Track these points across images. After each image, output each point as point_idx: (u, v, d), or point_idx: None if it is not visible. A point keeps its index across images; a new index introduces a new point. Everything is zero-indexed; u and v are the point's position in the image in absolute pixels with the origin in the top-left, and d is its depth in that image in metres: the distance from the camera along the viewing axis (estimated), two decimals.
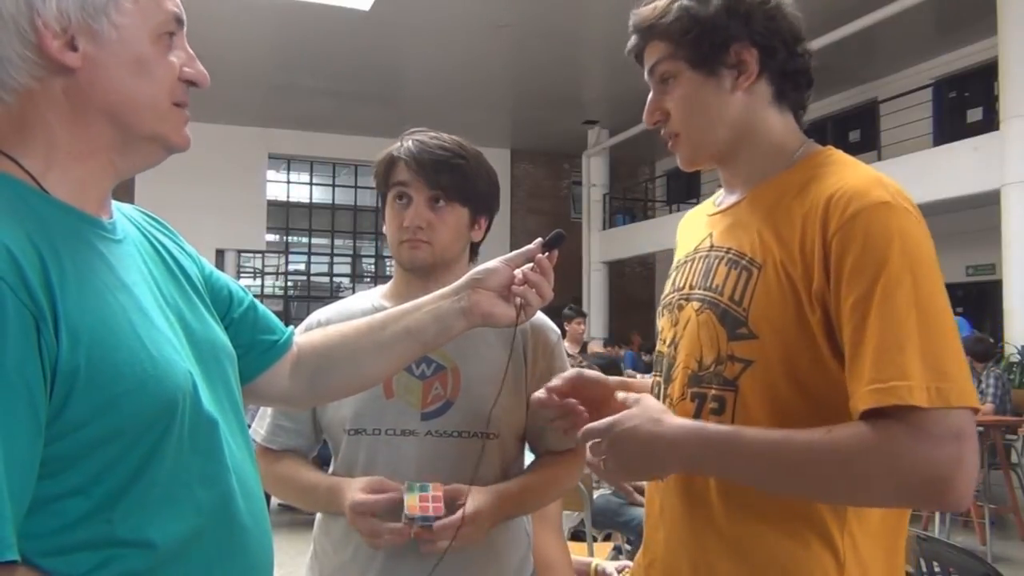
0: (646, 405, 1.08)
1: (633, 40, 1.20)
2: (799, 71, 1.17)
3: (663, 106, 1.18)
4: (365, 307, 1.47)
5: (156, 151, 0.92)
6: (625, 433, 1.04)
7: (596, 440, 1.08)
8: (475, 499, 1.30)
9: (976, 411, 0.95)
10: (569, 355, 1.80)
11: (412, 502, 1.27)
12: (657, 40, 1.16)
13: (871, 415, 0.94)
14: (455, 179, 1.43)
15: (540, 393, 1.25)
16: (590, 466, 1.12)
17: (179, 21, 0.91)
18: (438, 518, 1.26)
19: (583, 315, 7.77)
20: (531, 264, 1.17)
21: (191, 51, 0.93)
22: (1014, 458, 6.16)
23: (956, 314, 1.05)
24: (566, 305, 7.67)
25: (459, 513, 1.28)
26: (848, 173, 1.07)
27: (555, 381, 1.26)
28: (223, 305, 1.09)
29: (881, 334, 0.95)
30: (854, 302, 0.97)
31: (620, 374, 4.81)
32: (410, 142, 1.45)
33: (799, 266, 1.04)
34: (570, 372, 1.29)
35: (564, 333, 6.23)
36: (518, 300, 1.16)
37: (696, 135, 1.17)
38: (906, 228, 0.99)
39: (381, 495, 1.30)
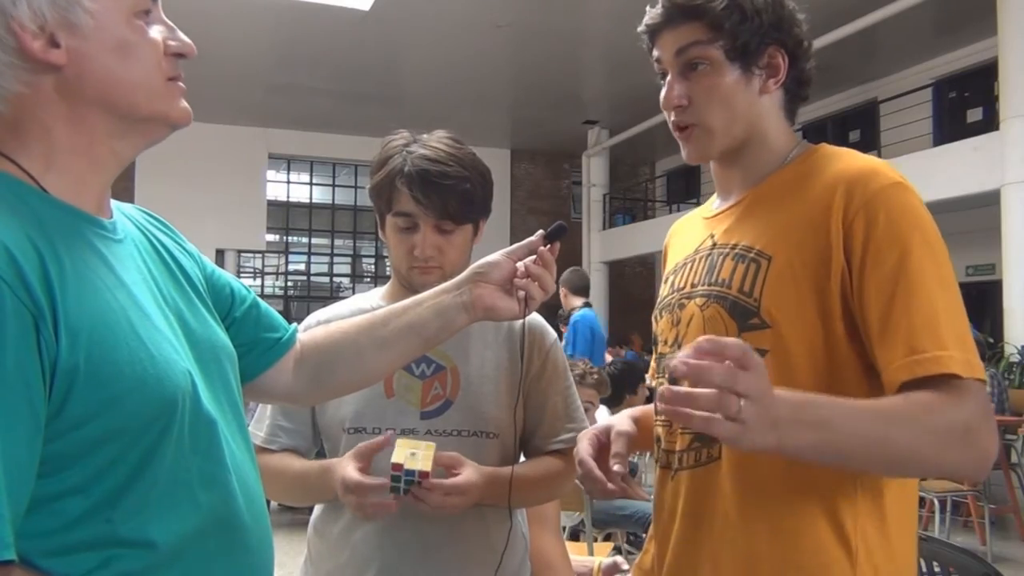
0: None
1: (661, 16, 1.15)
2: (808, 82, 1.19)
3: (689, 92, 1.15)
4: (364, 308, 1.45)
5: (158, 129, 0.91)
6: (759, 361, 0.85)
7: (719, 376, 0.83)
8: (469, 471, 1.30)
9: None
10: None
11: (400, 454, 1.24)
12: (698, 22, 1.13)
13: (907, 386, 0.96)
14: (463, 204, 1.38)
15: (586, 456, 1.14)
16: (712, 429, 0.83)
17: None
18: (424, 474, 1.23)
19: None
20: (533, 257, 1.15)
21: (170, 22, 0.91)
22: (1014, 458, 6.15)
23: None
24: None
25: (454, 478, 1.27)
26: (853, 158, 1.11)
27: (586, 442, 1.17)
28: (225, 304, 1.09)
29: (915, 308, 0.98)
30: (882, 277, 1.00)
31: (639, 378, 4.60)
32: (410, 164, 1.37)
33: (816, 250, 1.05)
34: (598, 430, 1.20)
35: (560, 335, 6.23)
36: (521, 293, 1.14)
37: (717, 127, 1.15)
38: (919, 207, 1.04)
39: (372, 480, 1.25)
